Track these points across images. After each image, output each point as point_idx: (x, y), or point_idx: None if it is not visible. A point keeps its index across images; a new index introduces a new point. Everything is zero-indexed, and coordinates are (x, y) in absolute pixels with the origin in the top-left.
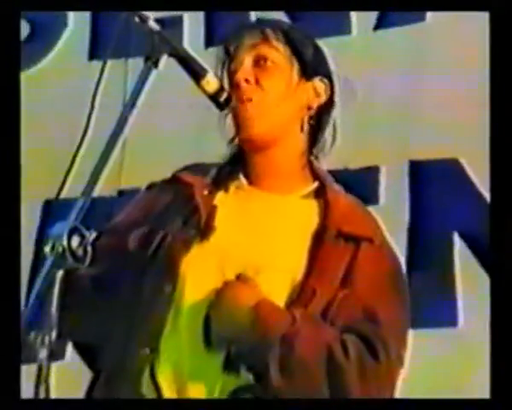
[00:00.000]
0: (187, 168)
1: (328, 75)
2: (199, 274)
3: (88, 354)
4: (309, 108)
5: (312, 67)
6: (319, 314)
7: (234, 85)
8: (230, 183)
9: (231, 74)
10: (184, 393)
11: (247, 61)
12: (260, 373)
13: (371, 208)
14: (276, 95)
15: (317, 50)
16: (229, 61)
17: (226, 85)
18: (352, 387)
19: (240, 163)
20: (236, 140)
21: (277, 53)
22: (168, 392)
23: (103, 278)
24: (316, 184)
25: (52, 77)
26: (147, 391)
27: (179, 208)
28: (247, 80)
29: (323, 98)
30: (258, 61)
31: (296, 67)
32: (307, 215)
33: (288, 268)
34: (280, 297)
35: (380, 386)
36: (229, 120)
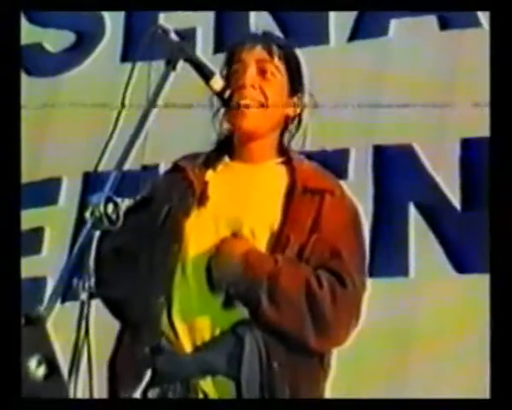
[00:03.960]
0: (182, 157)
1: (303, 93)
2: (199, 233)
3: (115, 309)
4: (287, 117)
5: (296, 85)
6: (295, 256)
7: (239, 86)
8: (217, 163)
9: (233, 73)
10: (193, 328)
11: (252, 69)
12: (254, 307)
13: (342, 183)
14: (274, 101)
15: (300, 71)
16: (232, 62)
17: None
18: (327, 311)
19: (225, 149)
20: (227, 131)
21: (277, 70)
22: (180, 328)
23: (123, 250)
24: (283, 158)
25: (92, 75)
26: (166, 329)
27: (176, 187)
28: (253, 86)
29: (298, 111)
30: (261, 72)
31: (287, 83)
32: (278, 177)
33: (266, 221)
34: (261, 245)
35: (348, 308)
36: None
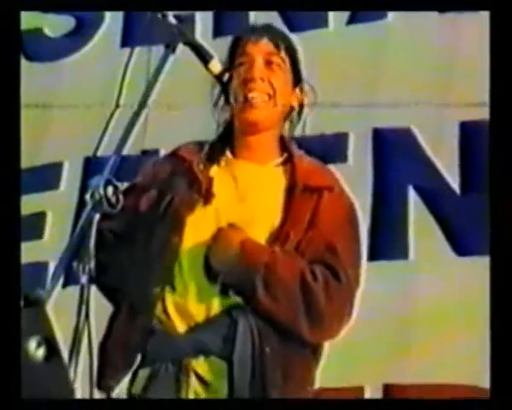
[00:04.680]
0: (184, 146)
1: (303, 83)
2: (200, 229)
3: (110, 293)
4: (291, 108)
5: (298, 76)
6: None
7: (248, 79)
8: (220, 158)
9: (238, 66)
10: (187, 312)
11: (259, 61)
12: (249, 295)
13: (341, 166)
14: (281, 92)
15: (299, 62)
16: (236, 55)
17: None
18: (320, 303)
19: (227, 141)
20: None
21: (282, 62)
22: (173, 312)
23: (121, 233)
24: (285, 155)
25: (93, 59)
26: (160, 317)
27: (181, 179)
28: (261, 78)
29: (300, 101)
30: (268, 64)
31: (291, 74)
32: (279, 179)
33: (266, 220)
34: (261, 241)
35: (342, 302)
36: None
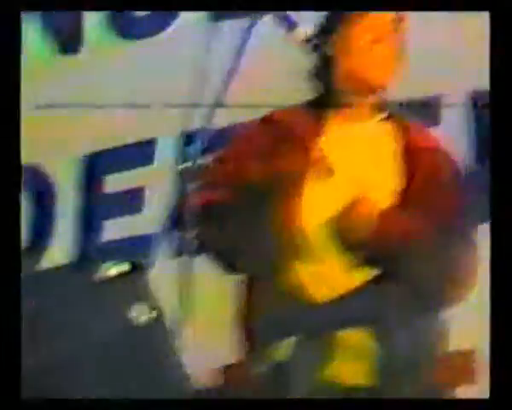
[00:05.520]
0: (280, 111)
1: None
2: (320, 197)
3: (224, 263)
4: None
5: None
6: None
7: (375, 37)
8: (322, 121)
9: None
10: (328, 284)
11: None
12: (391, 268)
13: None
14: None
15: None
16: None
17: None
18: (457, 266)
19: (324, 101)
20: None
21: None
22: (311, 285)
23: (228, 201)
24: (386, 112)
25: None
26: (294, 285)
27: (290, 148)
28: (386, 40)
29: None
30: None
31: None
32: (388, 136)
33: (386, 183)
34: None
35: (472, 263)
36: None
